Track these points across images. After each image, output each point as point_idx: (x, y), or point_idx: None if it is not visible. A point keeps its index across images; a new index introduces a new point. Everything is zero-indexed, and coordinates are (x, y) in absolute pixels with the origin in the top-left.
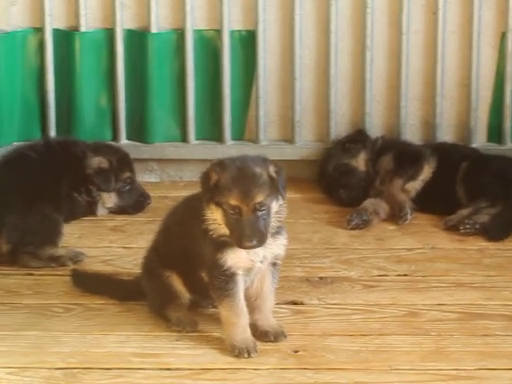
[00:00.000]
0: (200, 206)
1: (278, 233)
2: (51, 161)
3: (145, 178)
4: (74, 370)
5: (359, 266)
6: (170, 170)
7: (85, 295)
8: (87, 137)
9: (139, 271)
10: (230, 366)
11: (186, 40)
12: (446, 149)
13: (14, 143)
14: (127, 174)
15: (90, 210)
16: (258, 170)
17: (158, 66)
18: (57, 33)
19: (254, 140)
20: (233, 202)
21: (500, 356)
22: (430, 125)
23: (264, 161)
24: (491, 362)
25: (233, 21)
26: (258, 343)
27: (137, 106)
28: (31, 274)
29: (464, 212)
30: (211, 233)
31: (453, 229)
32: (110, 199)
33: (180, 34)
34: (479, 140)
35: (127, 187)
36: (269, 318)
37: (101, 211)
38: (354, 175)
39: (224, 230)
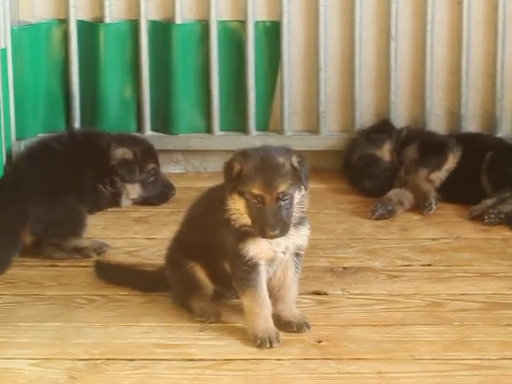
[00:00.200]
0: (223, 196)
1: (300, 223)
2: (75, 152)
3: (169, 169)
4: (97, 361)
5: (383, 256)
6: (195, 160)
7: (108, 286)
8: (112, 128)
9: (163, 262)
10: (252, 357)
11: (210, 31)
12: (470, 139)
13: (39, 135)
14: (151, 165)
15: (115, 201)
16: (280, 159)
17: (182, 58)
18: (81, 24)
19: (279, 130)
20: (256, 191)
21: None
22: (454, 115)
23: (287, 151)
24: None
25: (257, 12)
26: (281, 334)
27: (161, 97)
28: (55, 266)
29: (488, 202)
30: (233, 223)
31: (477, 219)
32: (134, 190)
33: (204, 25)
34: (504, 130)
35: (151, 178)
36: (292, 309)
37: (125, 202)
38: (378, 165)
39: (246, 220)
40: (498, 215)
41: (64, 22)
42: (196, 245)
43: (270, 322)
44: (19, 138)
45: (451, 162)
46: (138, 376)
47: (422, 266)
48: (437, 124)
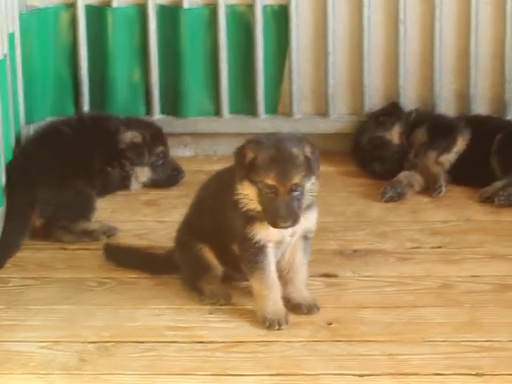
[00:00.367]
0: (232, 179)
1: (309, 207)
2: (84, 136)
3: (179, 152)
4: (107, 344)
5: (393, 239)
6: (204, 144)
7: (118, 269)
8: (120, 112)
9: (172, 245)
10: (262, 339)
11: (218, 15)
12: (480, 121)
13: (48, 118)
14: (160, 148)
15: (124, 184)
16: (295, 150)
17: (190, 41)
18: (89, 8)
19: (288, 114)
20: (270, 181)
21: None
22: (464, 97)
23: (300, 140)
24: None
25: None
26: (291, 316)
27: (170, 80)
28: (64, 249)
29: (498, 184)
30: (241, 206)
31: (487, 201)
32: (143, 173)
33: (212, 9)
34: None
35: (160, 161)
36: (302, 291)
37: (134, 185)
38: (387, 148)
39: (255, 206)
40: (508, 197)
41: (72, 6)
42: (205, 227)
43: (280, 304)
44: (28, 121)
45: (460, 144)
46: (147, 358)
47: (432, 248)
48: (446, 107)
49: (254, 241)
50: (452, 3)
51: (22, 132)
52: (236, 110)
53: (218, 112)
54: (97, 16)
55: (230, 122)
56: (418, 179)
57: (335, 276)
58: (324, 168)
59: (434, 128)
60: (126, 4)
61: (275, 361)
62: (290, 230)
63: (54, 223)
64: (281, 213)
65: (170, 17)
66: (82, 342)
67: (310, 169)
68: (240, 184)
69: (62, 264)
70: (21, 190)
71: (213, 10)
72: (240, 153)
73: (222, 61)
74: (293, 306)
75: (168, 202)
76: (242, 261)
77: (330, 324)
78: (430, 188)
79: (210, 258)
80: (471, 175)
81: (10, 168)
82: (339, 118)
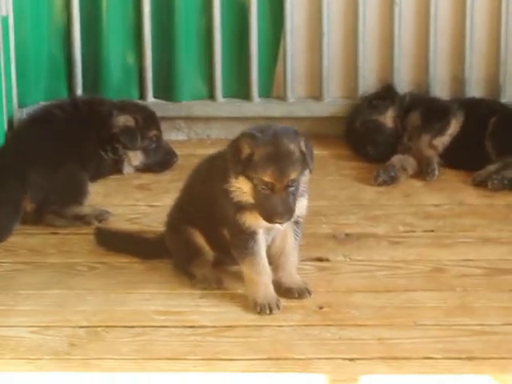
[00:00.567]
0: (223, 165)
1: (300, 195)
2: (77, 119)
3: (172, 136)
4: (98, 329)
5: (386, 223)
6: (198, 128)
7: (109, 254)
8: (114, 95)
9: (163, 229)
10: (253, 323)
11: None
12: (474, 104)
13: (41, 102)
14: (153, 132)
15: (116, 168)
16: (291, 146)
17: (184, 24)
18: None
19: (282, 97)
20: (267, 178)
21: None
22: (458, 80)
23: (295, 135)
24: None
25: None
26: (283, 300)
27: (163, 63)
28: (56, 233)
29: (492, 167)
30: (232, 196)
31: (481, 184)
32: (136, 157)
33: None
34: (508, 95)
35: (153, 145)
36: (293, 275)
37: (127, 169)
38: (381, 132)
39: (247, 199)
40: (502, 181)
41: None
42: (195, 212)
43: (270, 289)
44: (21, 105)
45: (454, 126)
46: (138, 343)
47: (425, 231)
48: (440, 89)
49: (244, 227)
50: None
51: (15, 116)
52: (230, 93)
53: (211, 96)
54: None
55: (224, 105)
56: (411, 163)
57: (327, 260)
58: (317, 152)
59: (428, 111)
60: None
61: (266, 345)
62: None
63: (46, 208)
64: (277, 209)
65: None
66: (73, 327)
67: (305, 163)
68: (234, 178)
69: (53, 249)
70: (13, 174)
71: None
72: (236, 147)
73: (217, 43)
74: (284, 291)
75: (160, 187)
76: (232, 247)
77: (321, 308)
78: (423, 171)
79: (201, 242)
80: (465, 158)
81: (2, 152)
82: (333, 101)
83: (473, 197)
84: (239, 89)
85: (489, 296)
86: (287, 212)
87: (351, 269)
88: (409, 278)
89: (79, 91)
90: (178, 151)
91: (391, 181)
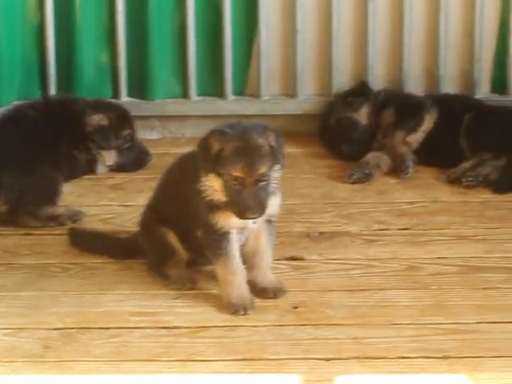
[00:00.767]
0: (195, 165)
1: (272, 193)
2: (50, 119)
3: (146, 135)
4: (72, 330)
5: (360, 221)
6: (172, 126)
7: (83, 254)
8: (87, 94)
9: (137, 229)
10: (227, 324)
11: None
12: (448, 100)
13: (13, 102)
14: (127, 131)
15: (90, 168)
16: (260, 140)
17: (158, 22)
18: None
19: (256, 95)
20: (237, 173)
21: (500, 309)
22: (433, 76)
23: (264, 130)
24: (491, 315)
25: None
26: (257, 300)
27: (137, 62)
28: (30, 234)
29: (466, 164)
30: (204, 195)
31: (455, 182)
32: (109, 157)
33: None
34: (483, 91)
35: (127, 144)
36: (267, 275)
37: (101, 169)
38: (355, 129)
39: (219, 197)
40: (477, 178)
41: None
42: (169, 212)
43: (244, 289)
44: None
45: (427, 123)
46: (112, 344)
47: (399, 229)
48: (415, 85)
49: (216, 227)
50: None
51: None
52: (204, 91)
53: (185, 94)
54: None
55: (198, 104)
56: (385, 160)
57: (301, 259)
58: (291, 149)
59: (402, 108)
60: None
61: (240, 346)
62: None
63: (20, 208)
64: (249, 204)
65: None
66: (46, 329)
67: (275, 158)
68: (205, 176)
69: (26, 250)
70: None
71: None
72: (205, 145)
73: (190, 41)
74: (259, 290)
75: (134, 186)
76: (205, 247)
77: (296, 308)
78: (397, 169)
79: (175, 242)
80: (440, 155)
81: None
82: (307, 98)
83: (447, 194)
84: (213, 87)
85: (464, 294)
86: (259, 207)
87: (326, 268)
88: (383, 277)
89: (52, 90)
90: (152, 150)
91: (365, 178)
